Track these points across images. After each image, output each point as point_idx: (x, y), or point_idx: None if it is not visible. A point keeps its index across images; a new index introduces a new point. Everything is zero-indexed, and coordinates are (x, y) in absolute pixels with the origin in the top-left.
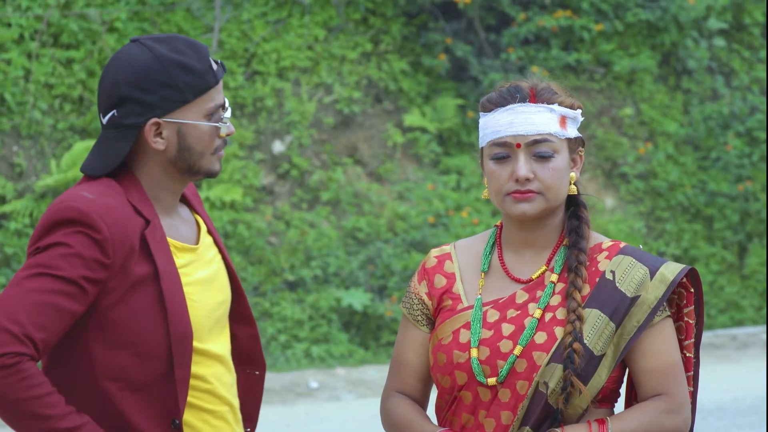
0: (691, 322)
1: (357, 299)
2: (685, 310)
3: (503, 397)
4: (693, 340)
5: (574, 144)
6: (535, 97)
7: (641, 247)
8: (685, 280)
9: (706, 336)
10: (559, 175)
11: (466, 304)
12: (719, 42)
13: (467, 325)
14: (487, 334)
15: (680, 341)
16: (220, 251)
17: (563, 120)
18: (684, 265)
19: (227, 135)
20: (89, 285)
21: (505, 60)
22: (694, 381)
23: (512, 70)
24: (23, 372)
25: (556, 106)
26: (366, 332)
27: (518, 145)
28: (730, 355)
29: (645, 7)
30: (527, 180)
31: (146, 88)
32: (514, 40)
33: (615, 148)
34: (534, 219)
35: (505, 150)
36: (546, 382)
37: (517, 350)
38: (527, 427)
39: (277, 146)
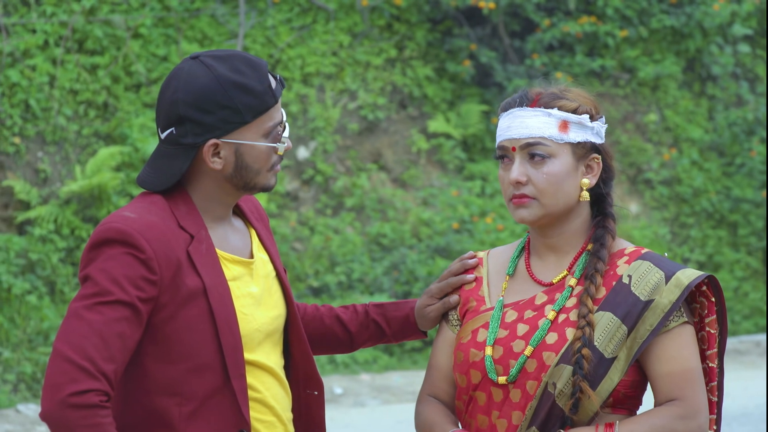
0: (713, 331)
1: None
2: (707, 320)
3: (514, 397)
4: (716, 349)
5: (580, 149)
6: (537, 102)
7: (666, 254)
8: (705, 289)
9: (731, 342)
10: (554, 180)
11: (488, 306)
12: (744, 48)
13: (486, 325)
14: (503, 333)
15: (703, 351)
16: (276, 268)
17: (564, 124)
18: (702, 272)
19: (285, 151)
20: (142, 304)
21: (529, 66)
22: (718, 390)
23: (537, 76)
24: (97, 418)
25: (555, 111)
26: None
27: (513, 149)
28: (755, 361)
29: (670, 13)
30: (519, 183)
31: (205, 109)
32: (538, 46)
33: (639, 154)
34: (545, 225)
35: (504, 154)
36: (554, 382)
37: (528, 351)
38: (534, 427)
39: (302, 152)
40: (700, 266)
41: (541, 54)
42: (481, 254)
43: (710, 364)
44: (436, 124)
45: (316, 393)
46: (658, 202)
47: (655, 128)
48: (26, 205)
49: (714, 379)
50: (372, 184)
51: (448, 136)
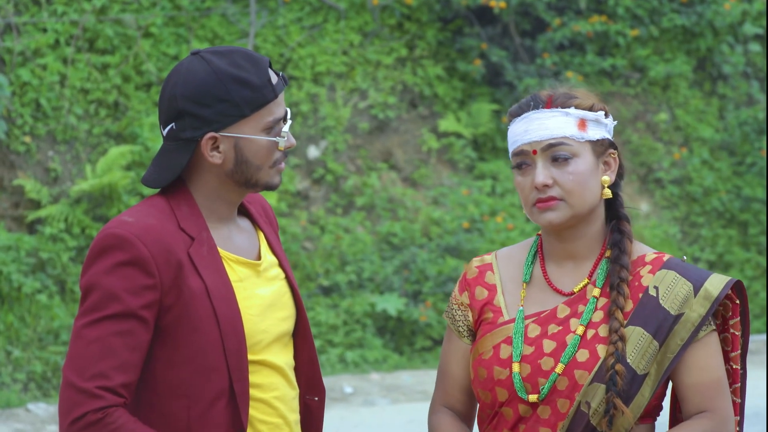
0: (737, 333)
1: (391, 304)
2: (731, 322)
3: (543, 414)
4: (739, 351)
5: (599, 147)
6: (551, 103)
7: (685, 258)
8: (730, 292)
9: None
10: (580, 179)
11: (507, 318)
12: (755, 47)
13: (508, 340)
14: (529, 350)
15: (726, 353)
16: (284, 270)
17: (582, 123)
18: (728, 278)
19: (287, 148)
20: (145, 311)
21: (540, 65)
22: (741, 393)
23: (547, 75)
24: (110, 425)
25: (572, 110)
26: (400, 337)
27: (534, 152)
28: (765, 361)
29: (680, 13)
30: (546, 186)
31: (203, 102)
32: (549, 46)
33: (650, 154)
34: (566, 228)
35: (524, 159)
36: (588, 402)
37: (559, 368)
38: None
39: (312, 151)
40: (711, 265)
41: (552, 53)
42: (488, 258)
43: (734, 366)
44: (447, 124)
45: (317, 399)
46: (669, 201)
47: (665, 127)
48: (37, 204)
49: (737, 381)
50: (382, 184)
51: (458, 136)
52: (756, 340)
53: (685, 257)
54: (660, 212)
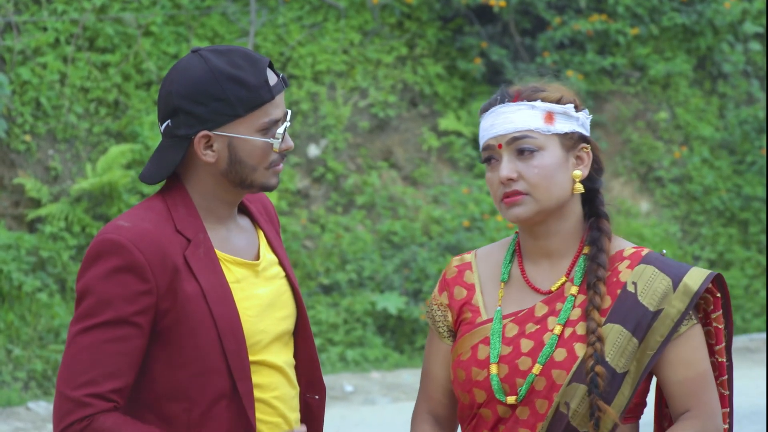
0: (719, 326)
1: (392, 303)
2: (713, 315)
3: (522, 415)
4: (724, 344)
5: (568, 140)
6: (518, 97)
7: (665, 252)
8: (711, 285)
9: (742, 340)
10: (545, 173)
11: (485, 317)
12: (755, 46)
13: (486, 341)
14: (506, 350)
15: (711, 346)
16: (285, 269)
17: (549, 115)
18: (708, 272)
19: (284, 150)
20: (140, 317)
21: (540, 64)
22: (729, 384)
23: (547, 74)
24: (97, 430)
25: (538, 102)
26: (401, 336)
27: (499, 146)
28: (765, 360)
29: (681, 11)
30: (510, 180)
31: (198, 100)
32: (549, 44)
33: (650, 152)
34: (537, 224)
35: (491, 153)
36: (567, 402)
37: (536, 369)
38: None
39: (313, 150)
40: (711, 264)
41: (552, 52)
42: (468, 257)
43: (719, 359)
44: (447, 122)
45: (317, 397)
46: (669, 200)
47: (665, 126)
48: (37, 203)
49: (724, 374)
50: (383, 182)
51: (458, 134)
52: (756, 339)
53: (664, 251)
54: (660, 211)
